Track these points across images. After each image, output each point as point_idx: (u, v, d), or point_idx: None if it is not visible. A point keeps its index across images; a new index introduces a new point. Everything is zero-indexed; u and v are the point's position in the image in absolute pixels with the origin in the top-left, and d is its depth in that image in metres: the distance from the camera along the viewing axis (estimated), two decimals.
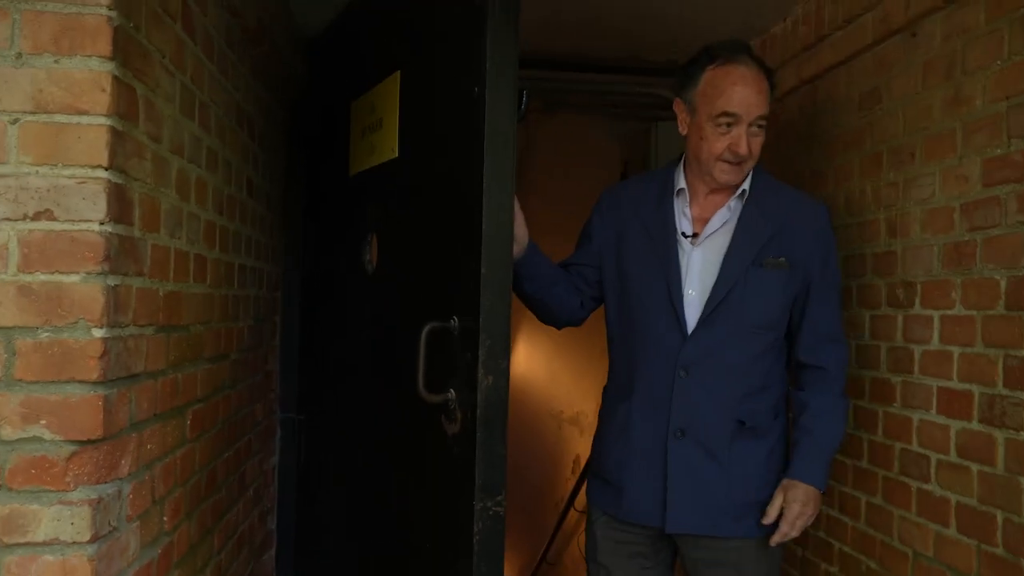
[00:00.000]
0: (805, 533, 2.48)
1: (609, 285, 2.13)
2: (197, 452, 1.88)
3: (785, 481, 1.97)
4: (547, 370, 7.08)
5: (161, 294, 1.58)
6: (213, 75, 1.91)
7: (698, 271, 1.99)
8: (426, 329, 1.73)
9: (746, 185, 2.02)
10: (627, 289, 2.07)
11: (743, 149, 1.94)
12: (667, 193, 2.08)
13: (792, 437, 2.04)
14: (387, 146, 2.18)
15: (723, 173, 1.99)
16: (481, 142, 1.62)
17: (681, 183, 2.07)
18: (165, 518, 1.64)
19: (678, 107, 2.06)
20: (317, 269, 2.82)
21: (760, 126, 1.97)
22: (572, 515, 6.06)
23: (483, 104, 1.62)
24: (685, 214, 2.05)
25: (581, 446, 6.19)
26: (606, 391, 2.22)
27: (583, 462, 5.90)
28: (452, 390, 1.73)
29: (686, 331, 1.97)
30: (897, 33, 2.08)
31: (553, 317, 2.17)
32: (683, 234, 2.03)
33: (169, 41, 1.58)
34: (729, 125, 1.94)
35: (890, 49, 2.14)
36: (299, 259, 2.93)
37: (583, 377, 6.33)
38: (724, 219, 2.02)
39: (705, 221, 2.03)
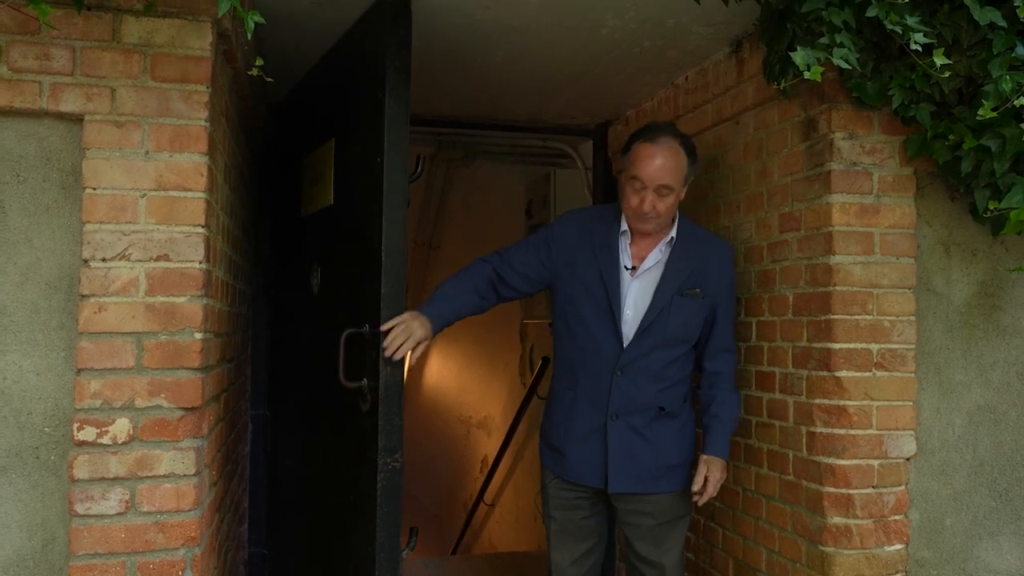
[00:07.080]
0: None
1: (561, 301, 2.61)
2: (224, 430, 2.52)
3: (704, 457, 2.49)
4: (458, 380, 7.61)
5: (217, 310, 2.23)
6: (231, 145, 2.56)
7: (634, 298, 2.51)
8: (344, 334, 2.31)
9: (673, 233, 2.54)
10: (576, 307, 2.56)
11: (645, 208, 2.44)
12: (613, 232, 2.56)
13: (704, 423, 2.57)
14: (326, 195, 2.80)
15: (634, 221, 2.51)
16: (381, 197, 2.21)
17: (624, 226, 2.55)
18: (213, 472, 2.28)
19: (617, 165, 2.67)
20: (279, 290, 3.45)
21: (663, 193, 2.44)
22: (481, 508, 6.57)
23: (382, 170, 2.21)
24: (626, 251, 2.55)
25: (489, 446, 6.73)
26: (554, 381, 2.73)
27: (491, 461, 6.49)
28: (365, 379, 2.29)
29: (623, 342, 2.50)
30: (727, 121, 2.92)
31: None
32: (625, 267, 2.54)
33: (222, 132, 2.24)
34: (639, 188, 2.46)
35: (723, 131, 2.97)
36: (266, 282, 3.56)
37: (490, 385, 6.92)
38: (656, 259, 2.53)
39: (641, 258, 2.53)
